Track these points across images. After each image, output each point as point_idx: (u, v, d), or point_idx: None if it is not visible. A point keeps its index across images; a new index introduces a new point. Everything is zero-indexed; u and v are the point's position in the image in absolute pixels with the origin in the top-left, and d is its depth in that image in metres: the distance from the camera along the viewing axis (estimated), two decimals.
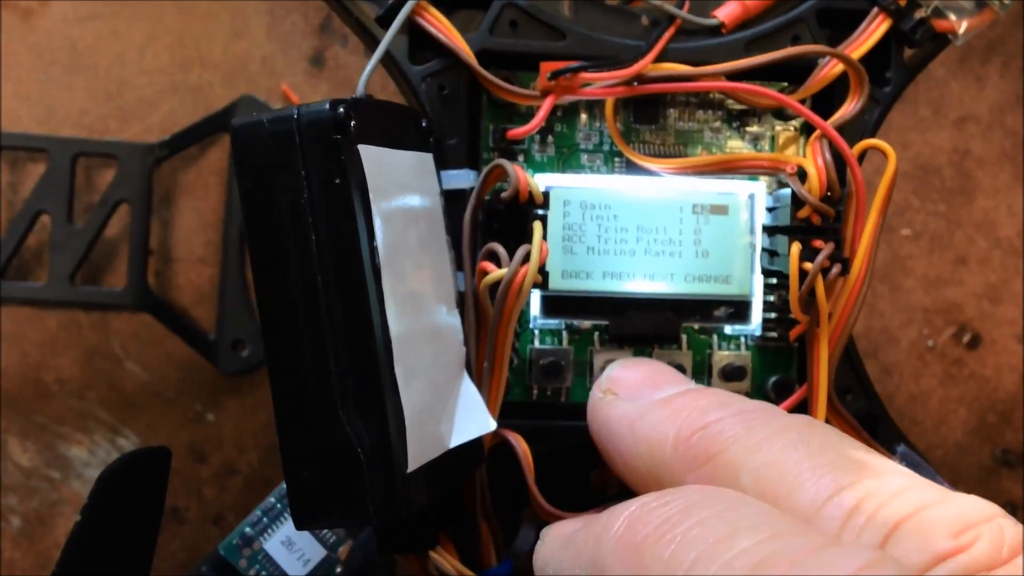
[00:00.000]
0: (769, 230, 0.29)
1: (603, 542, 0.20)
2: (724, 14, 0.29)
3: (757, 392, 0.30)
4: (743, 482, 0.21)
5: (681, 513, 0.19)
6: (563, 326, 0.30)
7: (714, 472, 0.22)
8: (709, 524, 0.19)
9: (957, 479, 0.40)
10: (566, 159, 0.30)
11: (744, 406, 0.23)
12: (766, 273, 0.29)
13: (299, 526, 0.23)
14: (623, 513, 0.20)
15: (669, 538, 0.19)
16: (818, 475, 0.20)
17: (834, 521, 0.19)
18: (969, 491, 0.30)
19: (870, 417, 0.30)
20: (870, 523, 0.19)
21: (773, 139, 0.30)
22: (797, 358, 0.30)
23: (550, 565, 0.24)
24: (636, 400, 0.25)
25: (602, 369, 0.29)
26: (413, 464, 0.23)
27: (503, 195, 0.27)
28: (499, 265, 0.26)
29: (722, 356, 0.30)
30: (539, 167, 0.30)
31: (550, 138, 0.30)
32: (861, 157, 0.28)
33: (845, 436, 0.22)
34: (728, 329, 0.30)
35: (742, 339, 0.30)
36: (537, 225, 0.27)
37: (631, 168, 0.30)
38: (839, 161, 0.27)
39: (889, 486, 0.20)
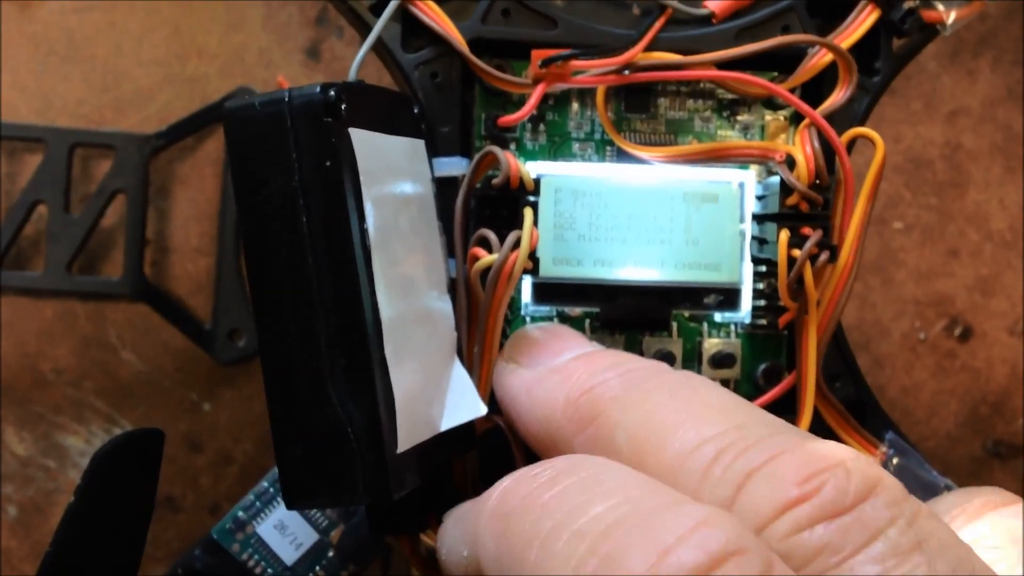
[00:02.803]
0: (758, 218, 0.29)
1: (480, 516, 0.21)
2: (715, 4, 0.29)
3: (747, 379, 0.30)
4: (619, 441, 0.21)
5: (546, 483, 0.20)
6: (554, 313, 0.30)
7: (596, 433, 0.22)
8: (568, 493, 0.19)
9: (948, 470, 0.40)
10: (558, 147, 0.30)
11: (631, 366, 0.23)
12: (756, 261, 0.29)
13: (289, 505, 0.23)
14: (499, 487, 0.21)
15: (532, 509, 0.19)
16: (683, 430, 0.21)
17: (695, 475, 0.20)
18: (960, 482, 0.30)
19: (859, 404, 0.30)
20: (726, 474, 0.19)
21: (763, 128, 0.30)
22: (787, 345, 0.30)
23: (445, 544, 0.24)
24: (535, 367, 0.25)
25: None
26: (403, 445, 0.23)
27: (494, 182, 0.27)
28: (490, 251, 0.27)
29: (712, 343, 0.30)
30: (531, 155, 0.30)
31: (542, 126, 0.30)
32: (850, 146, 0.28)
33: (716, 387, 0.22)
34: (718, 316, 0.30)
35: (732, 326, 0.30)
36: (528, 211, 0.27)
37: (622, 156, 0.30)
38: (828, 150, 0.28)
39: (748, 436, 0.20)
